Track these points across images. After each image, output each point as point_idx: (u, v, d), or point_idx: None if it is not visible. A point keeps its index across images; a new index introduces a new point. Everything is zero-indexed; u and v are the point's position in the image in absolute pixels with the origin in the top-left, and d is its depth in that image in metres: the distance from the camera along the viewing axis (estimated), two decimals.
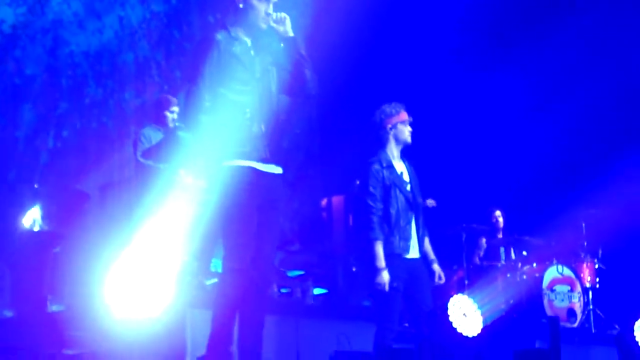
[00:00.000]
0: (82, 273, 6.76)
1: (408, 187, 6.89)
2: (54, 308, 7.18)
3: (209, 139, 5.25)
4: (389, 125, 6.88)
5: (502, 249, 11.13)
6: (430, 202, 7.93)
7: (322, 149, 12.08)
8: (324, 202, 10.64)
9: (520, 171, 11.91)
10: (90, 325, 6.20)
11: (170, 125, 8.33)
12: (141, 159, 8.14)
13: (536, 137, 11.82)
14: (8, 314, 7.16)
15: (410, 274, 6.75)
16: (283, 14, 5.45)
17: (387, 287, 6.55)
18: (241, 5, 5.42)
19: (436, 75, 12.02)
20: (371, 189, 6.72)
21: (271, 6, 5.43)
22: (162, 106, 8.52)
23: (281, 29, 5.44)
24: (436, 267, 7.02)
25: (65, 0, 9.75)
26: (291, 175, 11.46)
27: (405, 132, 6.91)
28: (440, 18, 11.90)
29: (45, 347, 6.31)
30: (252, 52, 5.45)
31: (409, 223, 6.82)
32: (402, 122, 6.89)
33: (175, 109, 8.49)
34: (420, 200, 6.99)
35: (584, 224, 10.77)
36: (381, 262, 6.57)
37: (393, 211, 6.72)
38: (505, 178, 11.98)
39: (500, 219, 11.27)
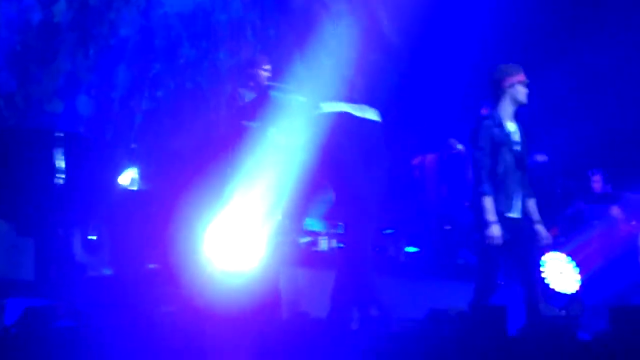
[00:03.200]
0: (179, 231, 6.86)
1: (517, 147, 6.84)
2: (151, 266, 7.30)
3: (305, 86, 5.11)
4: (508, 84, 6.84)
5: (598, 207, 10.98)
6: (541, 157, 7.82)
7: (415, 107, 12.01)
8: (416, 160, 10.61)
9: (620, 125, 11.66)
10: (188, 282, 6.30)
11: (263, 83, 8.42)
12: (235, 118, 8.23)
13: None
14: (107, 272, 7.29)
15: (512, 233, 6.71)
16: None
17: (501, 240, 6.54)
18: None
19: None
20: (481, 143, 6.71)
21: None
22: (254, 65, 8.64)
23: None
24: (540, 227, 6.97)
25: None
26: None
27: (522, 92, 6.86)
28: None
29: (144, 304, 6.42)
30: None
31: (515, 182, 6.79)
32: (520, 83, 6.85)
33: (267, 67, 8.57)
34: (527, 162, 6.94)
35: None
36: (492, 215, 6.55)
37: (500, 168, 6.69)
38: (604, 132, 11.74)
39: (598, 183, 11.13)
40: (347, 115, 5.05)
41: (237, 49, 10.55)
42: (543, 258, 7.26)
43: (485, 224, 6.55)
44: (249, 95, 8.41)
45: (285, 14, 10.74)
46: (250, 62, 8.93)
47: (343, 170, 4.96)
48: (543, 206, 9.67)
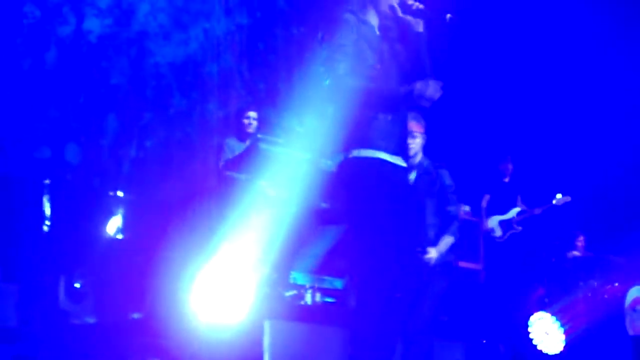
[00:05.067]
0: (165, 281, 6.82)
1: None
2: (136, 316, 7.24)
3: (335, 129, 4.79)
4: None
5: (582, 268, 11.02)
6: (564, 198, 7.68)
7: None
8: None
9: (605, 190, 11.70)
10: (172, 333, 6.25)
11: (249, 131, 8.46)
12: (223, 170, 8.23)
13: (623, 154, 11.61)
14: (91, 320, 7.24)
15: None
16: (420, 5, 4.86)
17: None
18: None
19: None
20: None
21: None
22: (239, 115, 8.70)
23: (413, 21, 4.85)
24: None
25: (151, 12, 9.85)
26: None
27: None
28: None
29: (127, 355, 6.36)
30: (378, 36, 4.92)
31: None
32: None
33: (252, 114, 8.61)
34: None
35: None
36: None
37: None
38: (589, 197, 11.76)
39: (582, 243, 11.22)
40: (380, 161, 4.76)
41: (226, 100, 10.55)
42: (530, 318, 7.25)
43: None
44: (238, 147, 8.41)
45: (277, 69, 10.79)
46: (237, 111, 8.98)
47: (374, 217, 4.62)
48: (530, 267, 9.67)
